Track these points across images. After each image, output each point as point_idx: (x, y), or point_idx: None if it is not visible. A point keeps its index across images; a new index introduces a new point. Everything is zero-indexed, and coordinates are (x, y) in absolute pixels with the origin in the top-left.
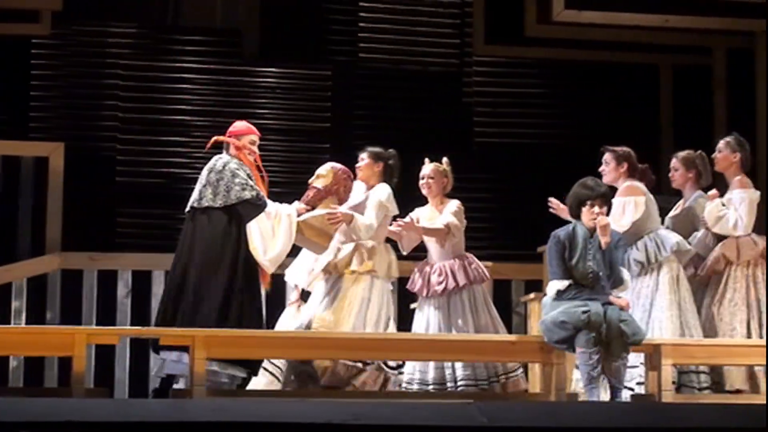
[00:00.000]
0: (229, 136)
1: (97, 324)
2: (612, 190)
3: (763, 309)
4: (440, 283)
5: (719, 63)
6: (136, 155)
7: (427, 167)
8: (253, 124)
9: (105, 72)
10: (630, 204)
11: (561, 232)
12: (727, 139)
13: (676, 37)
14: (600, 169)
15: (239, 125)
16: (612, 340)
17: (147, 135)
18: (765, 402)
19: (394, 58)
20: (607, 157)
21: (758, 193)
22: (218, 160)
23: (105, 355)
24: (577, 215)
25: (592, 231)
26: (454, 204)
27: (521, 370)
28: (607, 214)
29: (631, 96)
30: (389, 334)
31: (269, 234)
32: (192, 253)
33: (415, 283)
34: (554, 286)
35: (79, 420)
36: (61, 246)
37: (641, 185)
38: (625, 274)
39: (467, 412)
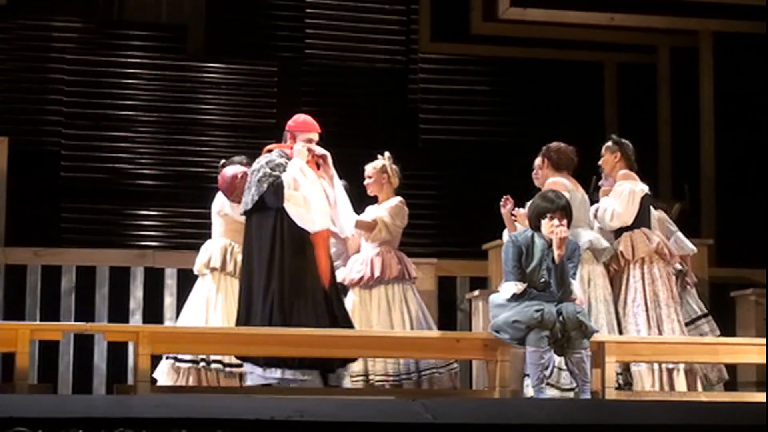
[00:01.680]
0: (289, 131)
1: (40, 320)
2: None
3: (663, 306)
4: (358, 272)
5: (663, 61)
6: (81, 150)
7: (368, 166)
8: (198, 120)
9: (49, 67)
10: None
11: (519, 237)
12: (606, 144)
13: (621, 36)
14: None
15: (298, 120)
16: (571, 333)
17: (92, 130)
18: (706, 400)
19: (341, 55)
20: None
21: (642, 186)
22: (257, 162)
23: (49, 350)
24: (536, 227)
25: (549, 242)
26: (394, 201)
27: (453, 365)
28: (567, 227)
29: (576, 93)
30: (332, 331)
31: (303, 203)
32: (243, 260)
33: (344, 273)
34: (510, 288)
35: (22, 416)
36: (5, 241)
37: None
38: (575, 287)
39: (411, 409)
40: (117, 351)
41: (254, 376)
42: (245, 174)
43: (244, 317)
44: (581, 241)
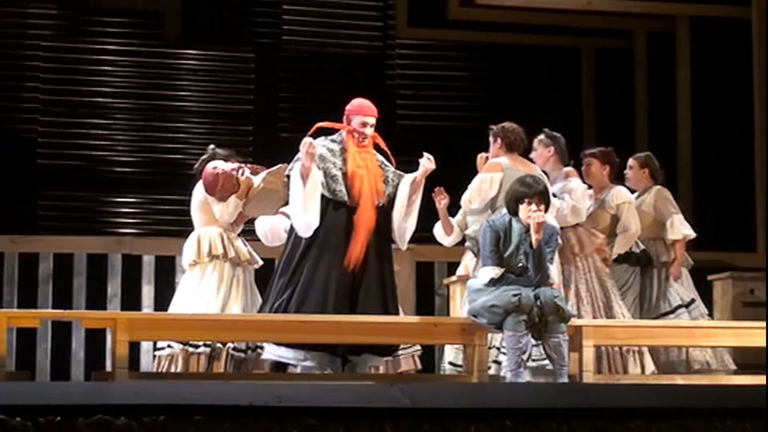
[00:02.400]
0: (345, 113)
1: (18, 307)
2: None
3: (610, 295)
4: None
5: (640, 46)
6: (58, 137)
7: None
8: (175, 107)
9: (25, 54)
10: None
11: (497, 221)
12: (539, 137)
13: (598, 21)
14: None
15: (354, 103)
16: (549, 317)
17: (68, 117)
18: (684, 383)
19: (318, 41)
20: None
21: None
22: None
23: (26, 338)
24: (514, 212)
25: (527, 227)
26: None
27: (416, 347)
28: (545, 212)
29: (554, 79)
30: (306, 316)
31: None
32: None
33: None
34: (487, 273)
35: (0, 403)
36: None
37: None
38: (553, 272)
39: (390, 394)
40: (95, 338)
41: (266, 352)
42: (227, 173)
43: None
44: None
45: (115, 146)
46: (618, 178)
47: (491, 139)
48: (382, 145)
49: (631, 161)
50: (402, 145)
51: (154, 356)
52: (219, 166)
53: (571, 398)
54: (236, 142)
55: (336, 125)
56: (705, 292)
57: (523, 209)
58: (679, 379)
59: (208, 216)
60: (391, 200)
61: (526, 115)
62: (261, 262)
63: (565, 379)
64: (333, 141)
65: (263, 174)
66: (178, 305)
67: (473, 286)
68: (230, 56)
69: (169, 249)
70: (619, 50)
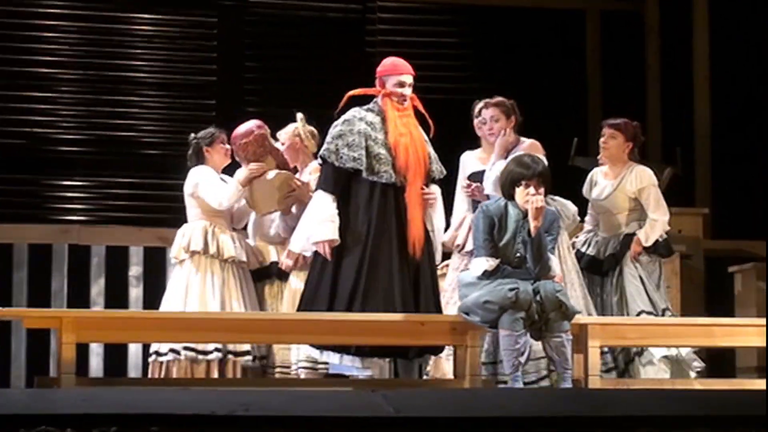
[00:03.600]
0: (377, 76)
1: None
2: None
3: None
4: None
5: (651, 9)
6: None
7: (280, 133)
8: (128, 78)
9: None
10: None
11: (491, 206)
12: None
13: None
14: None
15: (385, 63)
16: (550, 314)
17: (7, 90)
18: (701, 388)
19: (288, 3)
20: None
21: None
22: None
23: None
24: (510, 195)
25: (525, 213)
26: (312, 166)
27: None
28: (545, 195)
29: (555, 45)
30: (280, 314)
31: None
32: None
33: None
34: (481, 264)
35: None
36: None
37: None
38: (554, 262)
39: (371, 402)
40: (38, 339)
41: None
42: (259, 137)
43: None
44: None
45: (59, 123)
46: (641, 157)
47: (501, 114)
48: (421, 109)
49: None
50: None
51: (148, 363)
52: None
53: (576, 405)
54: (197, 118)
55: (370, 91)
56: (726, 285)
57: (520, 192)
58: (697, 384)
59: (197, 209)
60: (434, 182)
61: (524, 86)
62: (251, 262)
63: (569, 384)
64: (370, 111)
65: (275, 172)
66: (164, 306)
67: (464, 279)
68: (189, 21)
69: (122, 239)
70: (627, 13)
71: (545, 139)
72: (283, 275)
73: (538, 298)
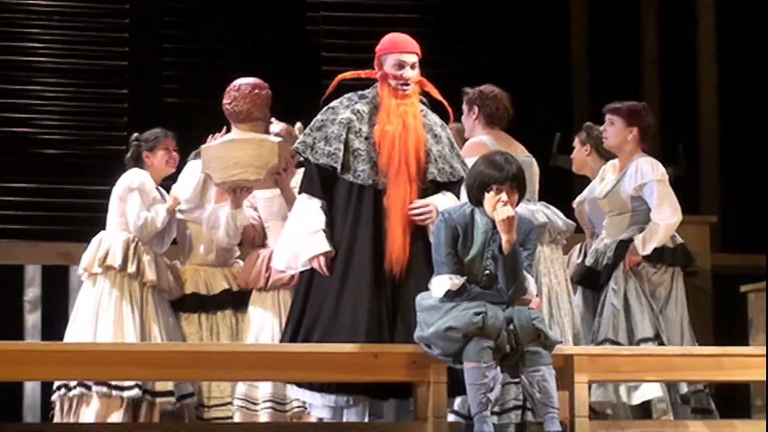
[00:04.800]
0: (376, 55)
1: None
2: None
3: (550, 282)
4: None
5: None
6: None
7: (277, 125)
8: (23, 64)
9: None
10: None
11: (455, 214)
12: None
13: None
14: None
15: (383, 41)
16: (526, 345)
17: None
18: None
19: None
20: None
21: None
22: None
23: None
24: (478, 200)
25: (495, 222)
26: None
27: None
28: (518, 203)
29: (535, 20)
30: (216, 345)
31: None
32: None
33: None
34: (442, 284)
35: None
36: None
37: None
38: (530, 282)
39: None
40: None
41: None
42: (268, 97)
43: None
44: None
45: None
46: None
47: (465, 106)
48: (435, 93)
49: (574, 141)
50: None
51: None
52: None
53: None
54: (105, 110)
55: (365, 73)
56: (738, 306)
57: (489, 199)
58: (705, 428)
59: (121, 218)
60: (437, 186)
61: (498, 71)
62: (173, 289)
63: (557, 427)
64: (363, 97)
65: (263, 136)
66: (72, 331)
67: (423, 302)
68: None
69: (15, 256)
70: None
71: (521, 134)
72: (239, 305)
73: (510, 326)
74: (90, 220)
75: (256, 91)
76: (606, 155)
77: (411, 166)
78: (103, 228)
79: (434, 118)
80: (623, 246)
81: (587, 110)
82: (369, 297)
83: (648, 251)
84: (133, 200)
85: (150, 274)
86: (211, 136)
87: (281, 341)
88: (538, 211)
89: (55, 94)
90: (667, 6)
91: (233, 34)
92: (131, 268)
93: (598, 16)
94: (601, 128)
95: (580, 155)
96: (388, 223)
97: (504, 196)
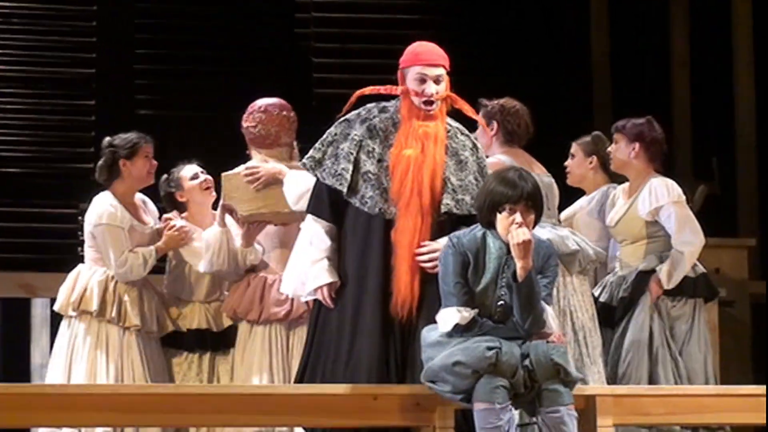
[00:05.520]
0: (399, 68)
1: None
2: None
3: (582, 316)
4: (282, 302)
5: None
6: None
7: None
8: None
9: None
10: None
11: (464, 238)
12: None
13: None
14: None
15: (407, 51)
16: (544, 383)
17: None
18: None
19: None
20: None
21: None
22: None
23: None
24: (489, 223)
25: (509, 246)
26: None
27: None
28: (535, 224)
29: (550, 20)
30: (196, 387)
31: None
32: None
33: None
34: (451, 317)
35: None
36: None
37: None
38: (549, 314)
39: None
40: None
41: None
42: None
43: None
44: None
45: None
46: (662, 166)
47: (482, 119)
48: (468, 110)
49: (573, 147)
50: (321, 121)
51: None
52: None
53: None
54: (71, 123)
55: (386, 89)
56: None
57: (501, 220)
58: None
59: (97, 254)
60: (455, 220)
61: (507, 78)
62: (163, 326)
63: None
64: (384, 111)
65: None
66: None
67: (429, 337)
68: None
69: None
70: None
71: (535, 149)
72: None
73: (527, 362)
74: (54, 248)
75: (284, 113)
76: (613, 174)
77: (424, 197)
78: (73, 256)
79: (464, 141)
80: (643, 278)
81: (609, 122)
82: (377, 337)
83: (674, 284)
84: (104, 239)
85: (133, 318)
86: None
87: (295, 381)
88: (568, 237)
89: (13, 105)
90: (698, 3)
91: (213, 37)
92: (111, 313)
93: (621, 16)
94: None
95: (582, 167)
96: (395, 261)
97: (518, 216)
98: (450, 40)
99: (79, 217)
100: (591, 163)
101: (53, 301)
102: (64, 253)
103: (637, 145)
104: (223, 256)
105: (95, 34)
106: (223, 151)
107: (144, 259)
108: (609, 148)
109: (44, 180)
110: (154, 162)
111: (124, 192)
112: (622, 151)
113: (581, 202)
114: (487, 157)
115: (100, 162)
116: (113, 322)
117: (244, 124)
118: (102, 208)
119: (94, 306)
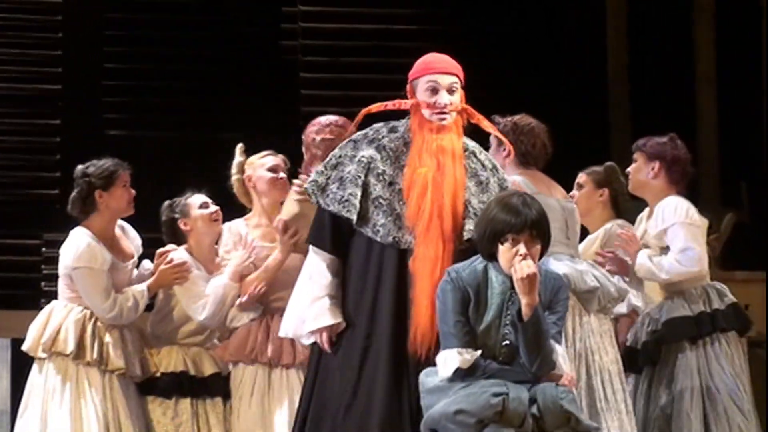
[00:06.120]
0: (409, 84)
1: None
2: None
3: (601, 360)
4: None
5: None
6: None
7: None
8: None
9: None
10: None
11: (463, 272)
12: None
13: None
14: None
15: (415, 64)
16: (552, 431)
17: None
18: None
19: None
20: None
21: None
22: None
23: None
24: (491, 254)
25: (513, 280)
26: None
27: None
28: (541, 255)
29: (565, 24)
30: None
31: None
32: None
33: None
34: (451, 360)
35: None
36: None
37: None
38: (559, 353)
39: None
40: None
41: None
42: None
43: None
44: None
45: None
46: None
47: (493, 139)
48: (485, 125)
49: (581, 177)
50: None
51: None
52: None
53: None
54: (34, 145)
55: (394, 104)
56: None
57: (504, 252)
58: None
59: (72, 293)
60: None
61: (506, 92)
62: (145, 370)
63: None
64: (394, 131)
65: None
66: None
67: (428, 382)
68: (24, 4)
69: None
70: None
71: (551, 173)
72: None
73: (535, 408)
74: (15, 283)
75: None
76: (622, 211)
77: (445, 222)
78: (35, 292)
79: (482, 159)
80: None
81: (628, 142)
82: (387, 384)
83: (641, 272)
84: (85, 283)
85: (117, 361)
86: None
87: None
88: (587, 272)
89: None
90: (725, 13)
91: (191, 50)
92: (91, 356)
93: (640, 26)
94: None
95: (591, 200)
96: (414, 293)
97: (522, 247)
98: (454, 52)
99: (43, 249)
100: (601, 196)
101: (15, 342)
102: (26, 289)
103: (656, 165)
104: (225, 312)
105: (60, 47)
106: (203, 177)
107: (135, 300)
108: (628, 169)
109: (3, 208)
110: (133, 191)
111: (102, 227)
112: (641, 170)
113: (584, 243)
114: None
115: (74, 194)
116: (93, 365)
117: (317, 137)
118: (79, 248)
119: (70, 348)
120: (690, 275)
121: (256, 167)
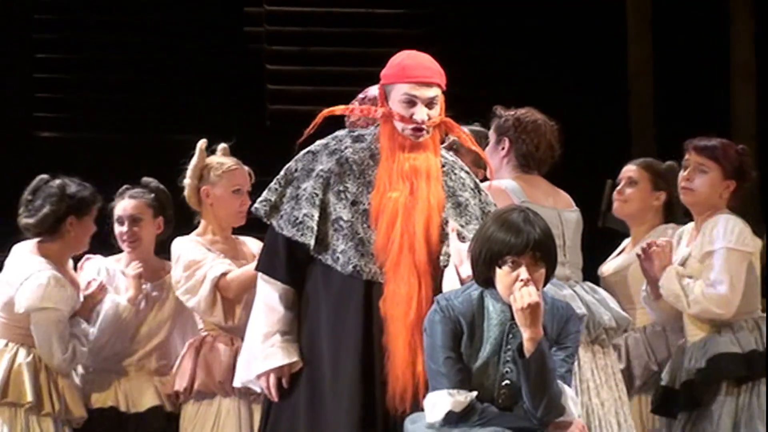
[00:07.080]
0: (380, 85)
1: None
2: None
3: (592, 401)
4: None
5: None
6: None
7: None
8: None
9: None
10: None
11: (455, 300)
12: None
13: None
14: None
15: (392, 61)
16: None
17: None
18: None
19: None
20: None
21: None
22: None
23: None
24: (487, 280)
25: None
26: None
27: None
28: (546, 280)
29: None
30: None
31: None
32: None
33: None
34: (441, 403)
35: None
36: None
37: None
38: (569, 396)
39: None
40: None
41: None
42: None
43: None
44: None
45: None
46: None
47: (492, 134)
48: (466, 141)
49: (634, 171)
50: (275, 142)
51: None
52: None
53: None
54: None
55: (361, 110)
56: None
57: (502, 277)
58: None
59: (20, 328)
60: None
61: (499, 88)
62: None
63: None
64: (358, 140)
65: None
66: None
67: (413, 430)
68: None
69: None
70: None
71: (555, 177)
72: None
73: None
74: None
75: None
76: (677, 214)
77: (418, 254)
78: None
79: (463, 179)
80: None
81: (650, 143)
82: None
83: (664, 292)
84: (47, 326)
85: (79, 409)
86: None
87: None
88: (573, 297)
89: None
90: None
91: (137, 36)
92: (53, 406)
93: (666, 14)
94: (682, 175)
95: (647, 201)
96: (387, 339)
97: (523, 272)
98: (449, 42)
99: None
100: (658, 199)
101: None
102: None
103: (733, 185)
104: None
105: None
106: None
107: (87, 346)
108: (683, 175)
109: None
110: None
111: (59, 254)
112: (712, 186)
113: (629, 256)
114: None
115: (46, 210)
116: (51, 417)
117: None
118: (46, 285)
119: (29, 396)
120: (713, 315)
121: (216, 182)
